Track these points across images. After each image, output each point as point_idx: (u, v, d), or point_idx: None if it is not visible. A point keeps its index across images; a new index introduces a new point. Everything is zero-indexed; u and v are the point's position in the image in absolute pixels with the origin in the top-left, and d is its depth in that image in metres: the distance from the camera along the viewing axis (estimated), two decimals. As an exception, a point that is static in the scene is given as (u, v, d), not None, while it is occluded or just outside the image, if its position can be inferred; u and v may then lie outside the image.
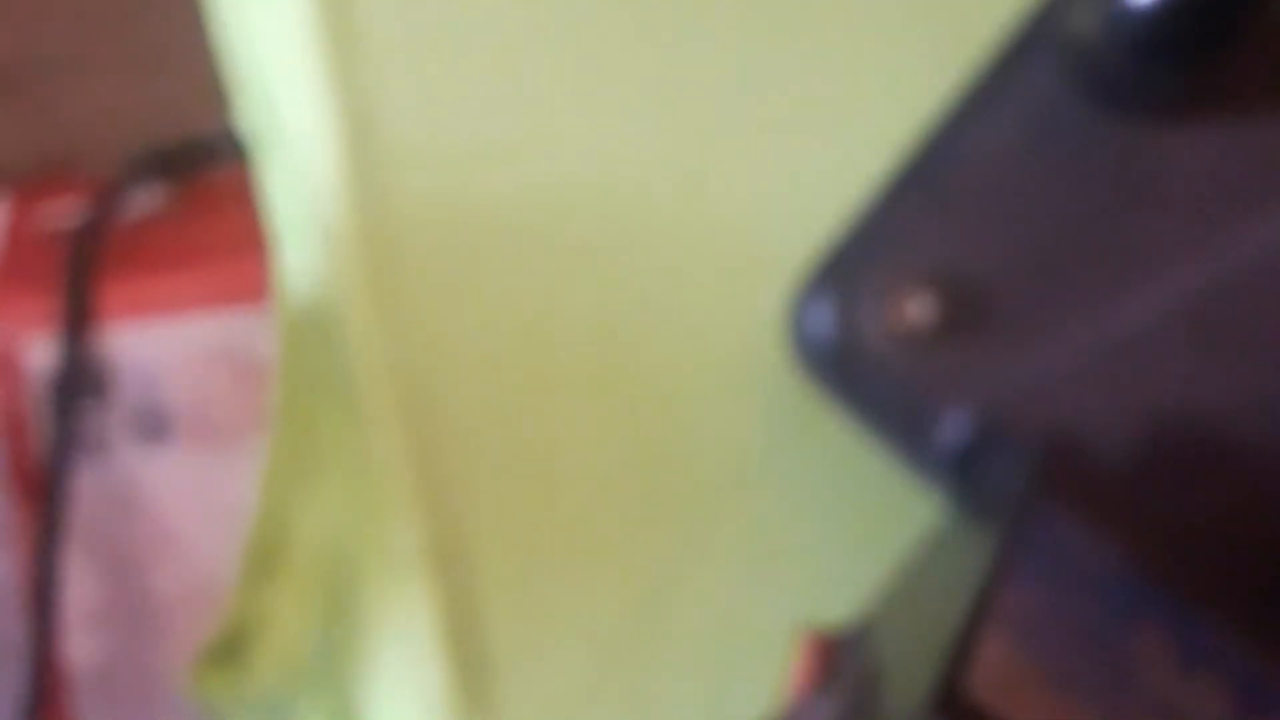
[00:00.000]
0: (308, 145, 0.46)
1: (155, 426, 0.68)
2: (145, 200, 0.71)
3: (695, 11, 0.46)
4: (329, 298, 0.47)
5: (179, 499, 0.67)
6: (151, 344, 0.68)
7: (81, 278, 0.68)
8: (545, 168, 0.46)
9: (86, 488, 0.67)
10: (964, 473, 0.40)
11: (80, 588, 0.67)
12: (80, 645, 0.68)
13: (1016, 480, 0.38)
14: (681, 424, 0.45)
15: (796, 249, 0.43)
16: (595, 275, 0.45)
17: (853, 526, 0.44)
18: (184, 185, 0.71)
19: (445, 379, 0.45)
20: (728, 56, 0.46)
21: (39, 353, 0.68)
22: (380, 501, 0.45)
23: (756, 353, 0.44)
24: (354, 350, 0.45)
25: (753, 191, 0.45)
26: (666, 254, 0.45)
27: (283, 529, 0.53)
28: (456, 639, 0.44)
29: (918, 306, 0.40)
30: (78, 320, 0.67)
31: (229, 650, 0.59)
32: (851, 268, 0.41)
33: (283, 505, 0.52)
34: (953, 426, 0.40)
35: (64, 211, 0.71)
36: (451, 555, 0.45)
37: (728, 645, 0.44)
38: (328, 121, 0.45)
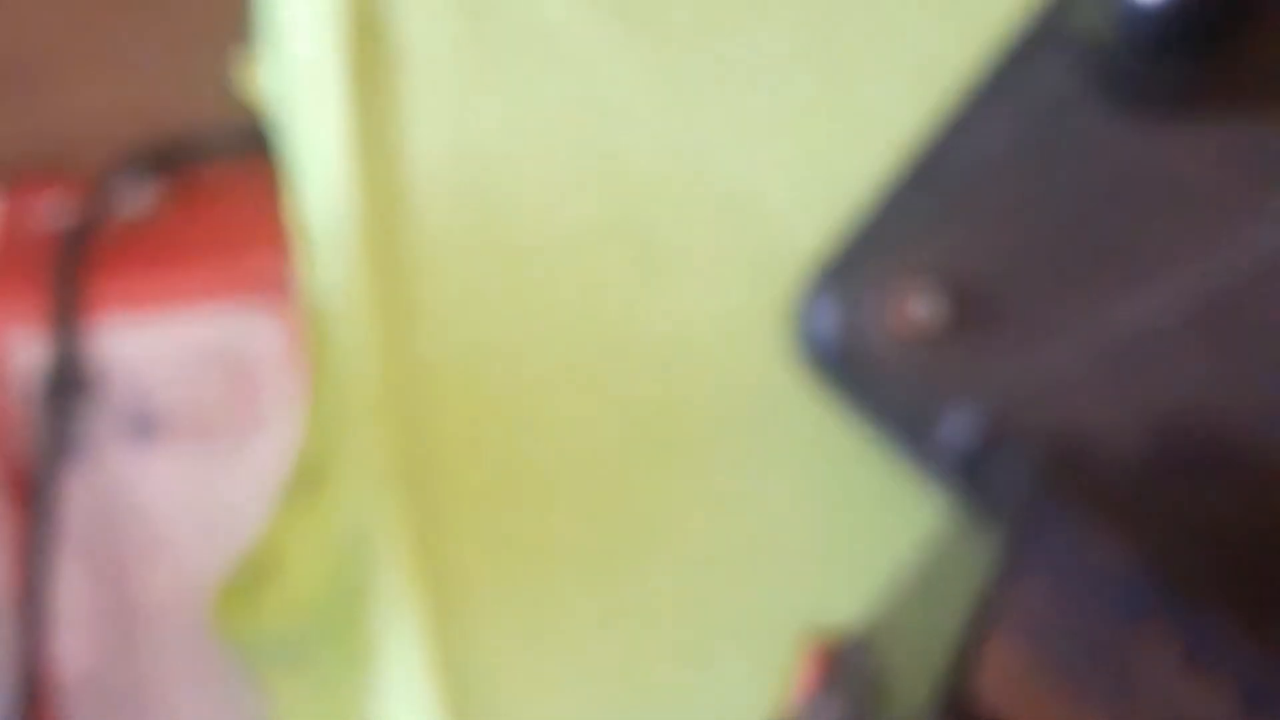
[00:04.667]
0: (326, 159, 0.46)
1: (146, 426, 0.68)
2: (136, 197, 0.71)
3: (706, 22, 0.46)
4: (332, 300, 0.47)
5: (169, 499, 0.68)
6: (142, 342, 0.68)
7: (71, 275, 0.68)
8: (552, 178, 0.46)
9: (76, 488, 0.67)
10: (969, 473, 0.40)
11: (70, 590, 0.67)
12: (70, 648, 0.68)
13: (1022, 480, 0.38)
14: (682, 423, 0.45)
15: (806, 242, 0.43)
16: (595, 265, 0.45)
17: (852, 520, 0.44)
18: (175, 182, 0.72)
19: (436, 363, 0.45)
20: (739, 56, 0.46)
21: (28, 351, 0.68)
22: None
23: (763, 346, 0.44)
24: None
25: (762, 184, 0.45)
26: (673, 253, 0.45)
27: (321, 464, 0.53)
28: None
29: (923, 306, 0.40)
30: (68, 318, 0.67)
31: (250, 584, 0.59)
32: (857, 267, 0.41)
33: (324, 439, 0.52)
34: (958, 426, 0.40)
35: (55, 208, 0.71)
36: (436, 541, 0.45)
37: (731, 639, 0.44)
38: (347, 137, 0.45)
